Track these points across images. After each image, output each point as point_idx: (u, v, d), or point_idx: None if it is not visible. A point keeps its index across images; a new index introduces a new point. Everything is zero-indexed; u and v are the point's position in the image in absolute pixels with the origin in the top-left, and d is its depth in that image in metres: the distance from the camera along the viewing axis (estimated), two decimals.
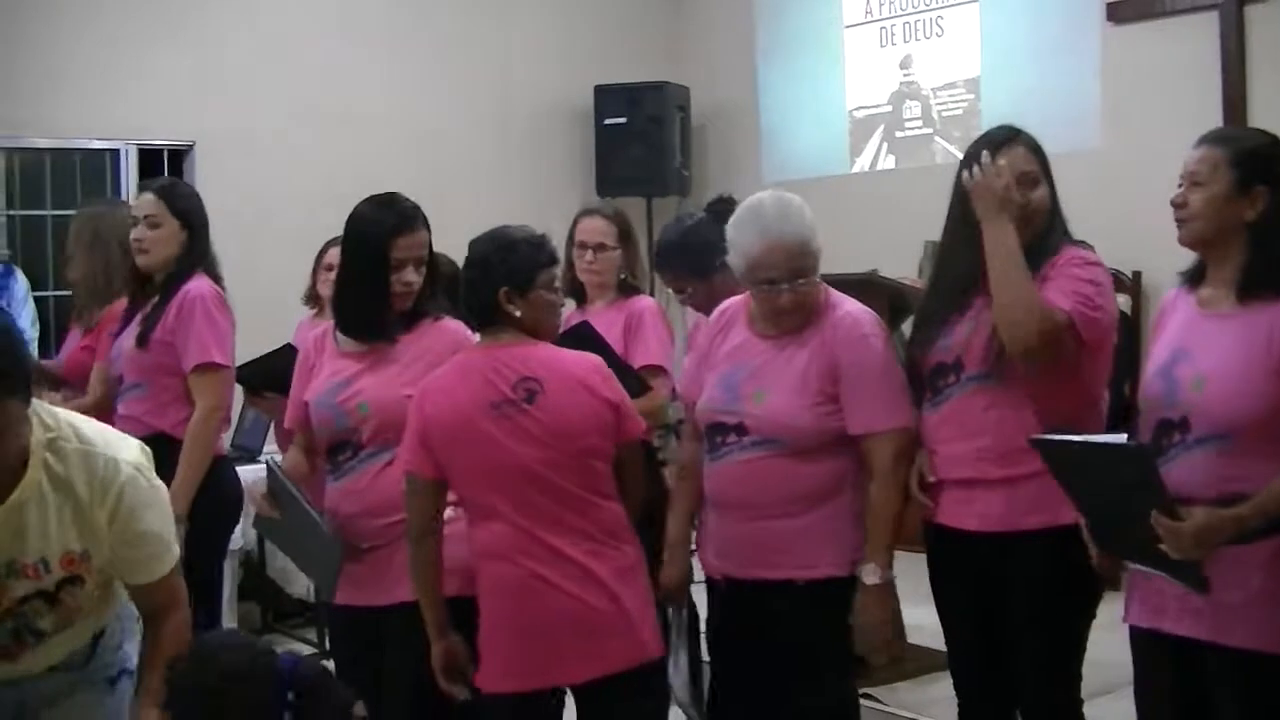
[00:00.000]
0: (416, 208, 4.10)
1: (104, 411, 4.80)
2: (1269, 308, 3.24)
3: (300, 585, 7.37)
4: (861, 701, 4.50)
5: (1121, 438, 3.41)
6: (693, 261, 4.65)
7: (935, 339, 3.81)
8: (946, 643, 4.03)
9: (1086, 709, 3.81)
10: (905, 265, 6.51)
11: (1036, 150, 3.80)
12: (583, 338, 4.55)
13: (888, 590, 3.83)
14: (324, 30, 9.26)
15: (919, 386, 3.87)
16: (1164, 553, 3.15)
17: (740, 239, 3.93)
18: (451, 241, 4.46)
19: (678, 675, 4.23)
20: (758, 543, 3.93)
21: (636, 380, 4.65)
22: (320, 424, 4.07)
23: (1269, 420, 3.19)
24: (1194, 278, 3.47)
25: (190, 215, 4.93)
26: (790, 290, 3.86)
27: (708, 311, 4.44)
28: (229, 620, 6.47)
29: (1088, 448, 3.35)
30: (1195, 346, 3.33)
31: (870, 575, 3.81)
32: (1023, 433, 3.59)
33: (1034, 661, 3.75)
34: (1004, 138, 3.81)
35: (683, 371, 4.35)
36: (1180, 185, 3.40)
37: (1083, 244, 3.80)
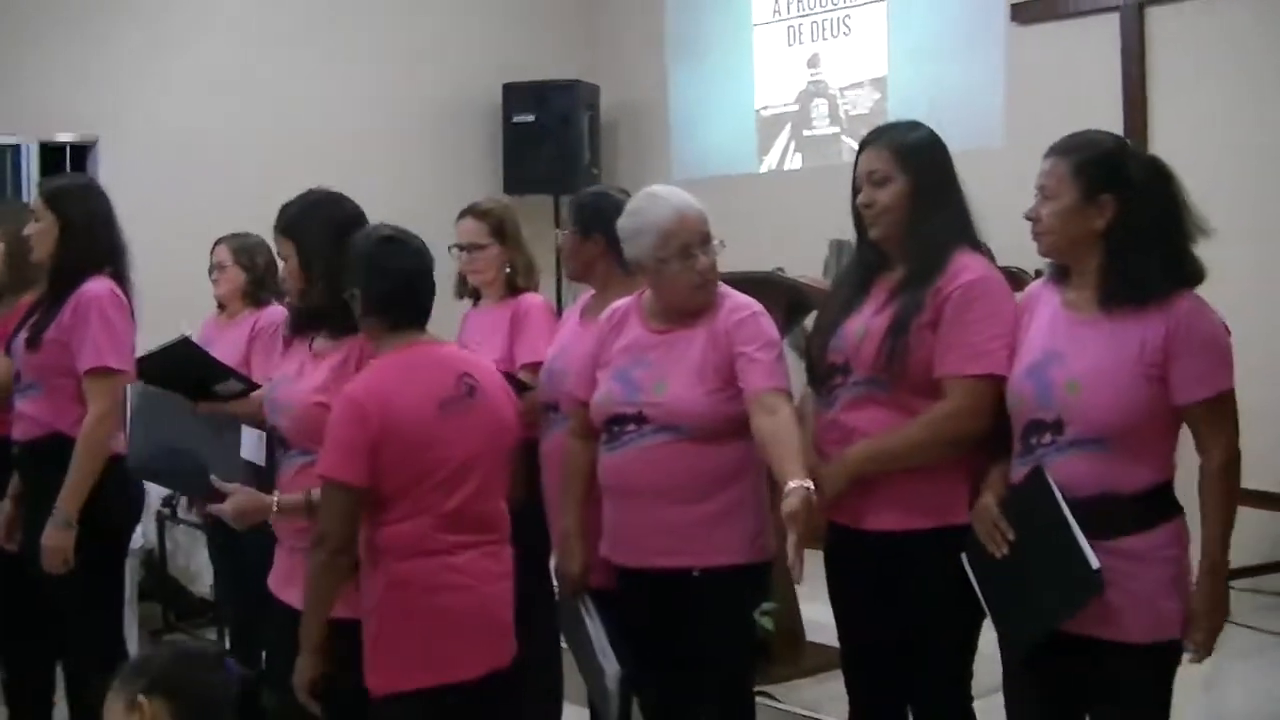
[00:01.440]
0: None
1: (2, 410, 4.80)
2: (1136, 317, 3.29)
3: (203, 584, 7.32)
4: (760, 700, 4.52)
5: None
6: (592, 216, 4.59)
7: (828, 340, 3.83)
8: (840, 641, 4.04)
9: (976, 705, 3.83)
10: (812, 264, 6.52)
11: (900, 149, 3.78)
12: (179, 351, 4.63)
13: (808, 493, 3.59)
14: (230, 25, 9.17)
15: (816, 385, 3.89)
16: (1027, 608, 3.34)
17: (650, 215, 4.00)
18: None
19: (606, 669, 4.17)
20: (657, 530, 3.95)
21: (514, 383, 4.68)
22: None
23: (1143, 424, 3.27)
24: (1060, 274, 3.52)
25: (68, 213, 4.83)
26: (706, 254, 3.96)
27: (574, 276, 4.70)
28: (131, 620, 6.41)
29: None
30: (1068, 349, 3.37)
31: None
32: None
33: (926, 661, 3.77)
34: (864, 142, 3.86)
35: (569, 373, 4.37)
36: (1035, 197, 3.45)
37: (979, 246, 3.83)
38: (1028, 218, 3.44)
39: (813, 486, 3.52)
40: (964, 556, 3.54)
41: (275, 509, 3.88)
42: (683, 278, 3.97)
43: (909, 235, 3.74)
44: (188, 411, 4.25)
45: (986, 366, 3.60)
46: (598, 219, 4.53)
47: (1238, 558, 6.28)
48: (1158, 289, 3.30)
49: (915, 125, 3.93)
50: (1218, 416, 3.30)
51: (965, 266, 3.70)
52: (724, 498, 3.94)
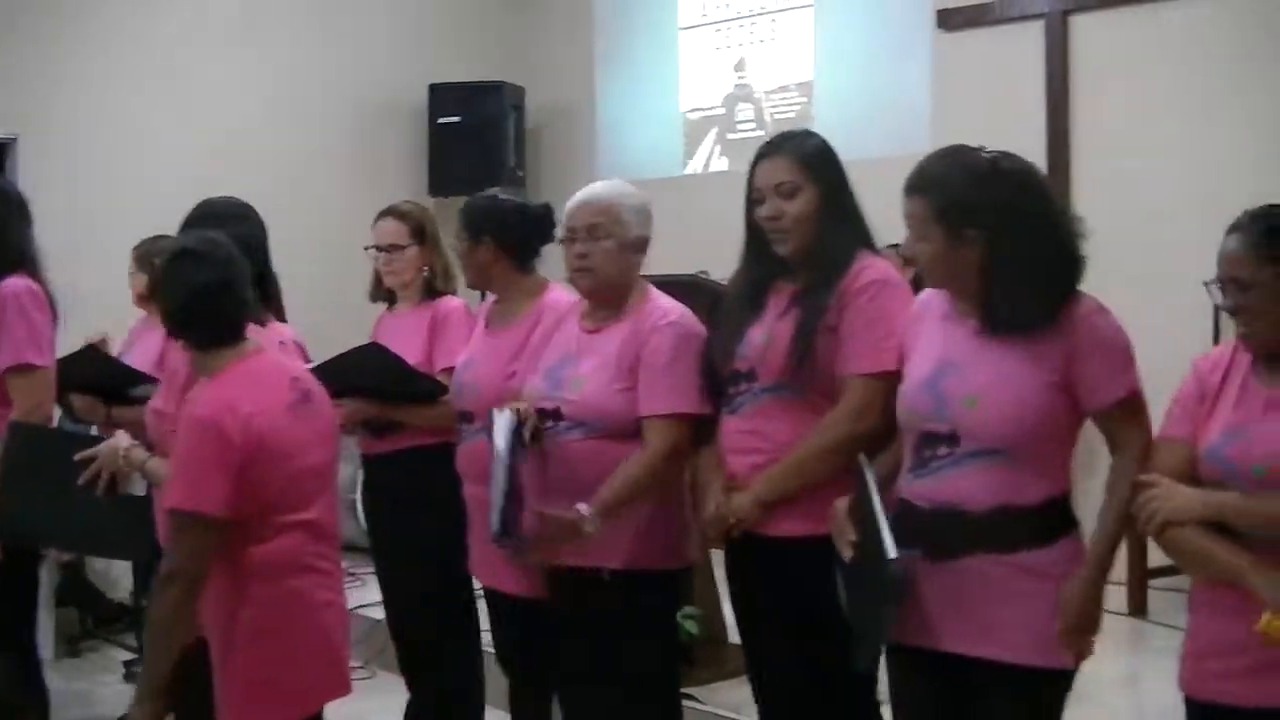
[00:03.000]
0: None
1: None
2: (1039, 324, 3.24)
3: (123, 589, 7.24)
4: (682, 702, 4.51)
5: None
6: (481, 220, 4.54)
7: (732, 346, 3.79)
8: (743, 646, 4.02)
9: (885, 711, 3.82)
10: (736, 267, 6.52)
11: (805, 158, 3.76)
12: (371, 356, 4.64)
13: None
14: (153, 23, 9.06)
15: (720, 391, 3.86)
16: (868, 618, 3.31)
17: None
18: (282, 238, 4.44)
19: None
20: None
21: (432, 385, 4.65)
22: None
23: (1040, 436, 3.23)
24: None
25: None
26: (580, 243, 3.95)
27: (472, 284, 4.66)
28: (46, 624, 6.34)
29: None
30: (964, 361, 3.30)
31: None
32: None
33: (827, 665, 3.71)
34: (762, 153, 3.82)
35: (479, 386, 4.38)
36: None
37: (886, 249, 3.83)
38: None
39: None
40: (835, 565, 3.50)
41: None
42: (567, 263, 4.01)
43: (814, 242, 3.72)
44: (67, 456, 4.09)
45: (883, 364, 3.59)
46: (487, 223, 4.50)
47: (1157, 558, 6.39)
48: (1041, 315, 3.25)
49: (810, 134, 3.94)
50: (1131, 415, 3.25)
51: (867, 267, 3.70)
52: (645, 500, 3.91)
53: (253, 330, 3.77)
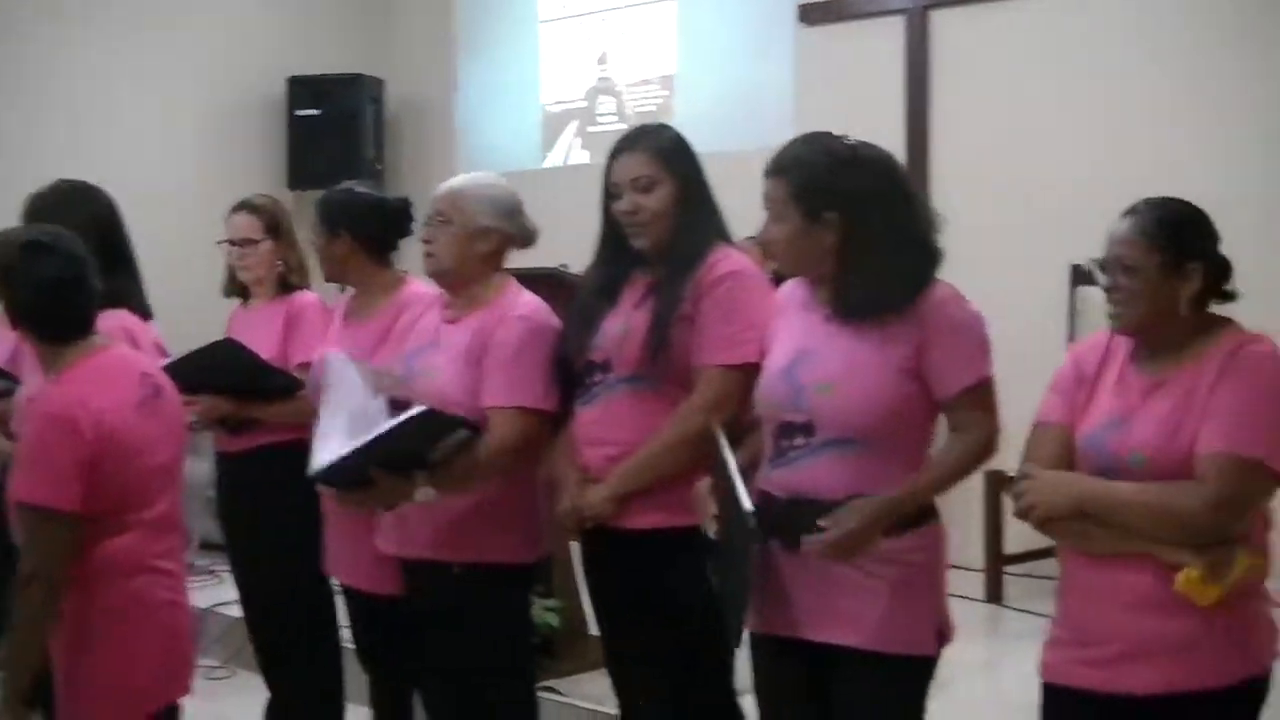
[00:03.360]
0: None
1: None
2: (892, 310, 3.24)
3: None
4: (543, 694, 4.50)
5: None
6: (337, 213, 4.51)
7: (586, 338, 3.78)
8: (602, 638, 4.02)
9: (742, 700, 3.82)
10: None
11: (662, 152, 3.76)
12: (225, 352, 4.58)
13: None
14: (9, 8, 8.87)
15: (575, 384, 3.84)
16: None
17: None
18: (137, 232, 4.41)
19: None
20: (422, 521, 3.91)
21: (288, 380, 4.60)
22: None
23: (894, 424, 3.23)
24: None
25: None
26: (427, 227, 3.98)
27: (329, 277, 4.61)
28: None
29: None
30: (820, 349, 3.30)
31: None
32: None
33: (688, 656, 3.72)
34: (618, 147, 3.82)
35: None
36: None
37: (744, 241, 3.84)
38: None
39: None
40: (707, 554, 3.50)
41: None
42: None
43: (670, 235, 3.71)
44: None
45: (740, 356, 3.58)
46: (343, 216, 4.47)
47: (1013, 544, 6.48)
48: (893, 302, 3.25)
49: (664, 127, 3.94)
50: (977, 403, 3.25)
51: (723, 258, 3.69)
52: (488, 492, 3.88)
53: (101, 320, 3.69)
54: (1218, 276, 3.09)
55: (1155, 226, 3.05)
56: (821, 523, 3.19)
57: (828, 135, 3.36)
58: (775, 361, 3.39)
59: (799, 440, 3.27)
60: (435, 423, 3.69)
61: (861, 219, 3.26)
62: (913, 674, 3.31)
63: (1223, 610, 2.95)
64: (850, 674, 3.29)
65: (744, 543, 3.23)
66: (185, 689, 3.66)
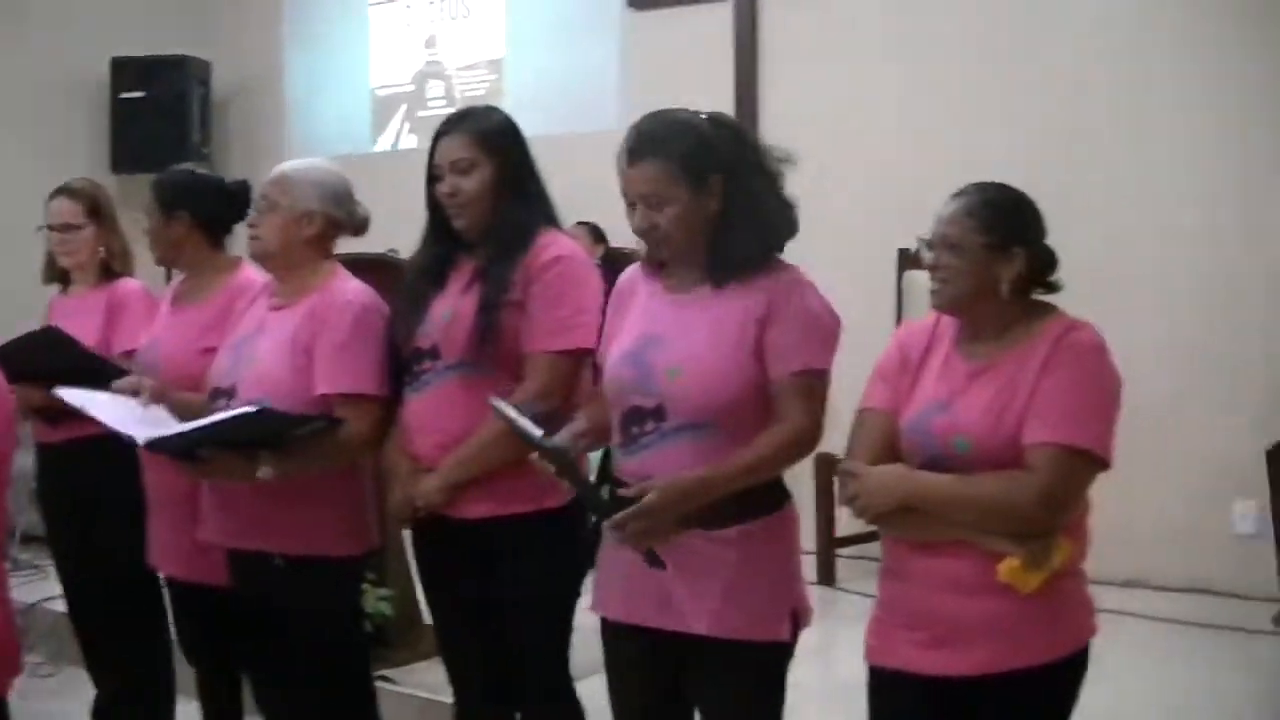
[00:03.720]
0: None
1: None
2: (741, 293, 3.22)
3: None
4: (379, 684, 4.46)
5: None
6: (177, 194, 4.43)
7: (414, 323, 3.74)
8: (435, 628, 4.00)
9: (578, 686, 3.81)
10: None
11: (482, 135, 3.72)
12: (52, 342, 4.46)
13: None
14: None
15: (404, 369, 3.79)
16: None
17: None
18: None
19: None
20: (239, 510, 3.86)
21: (112, 368, 4.51)
22: None
23: (746, 407, 3.19)
24: (658, 264, 3.39)
25: None
26: (255, 211, 3.95)
27: (161, 260, 4.54)
28: None
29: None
30: (669, 333, 3.26)
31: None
32: None
33: (526, 645, 3.71)
34: (442, 130, 3.78)
35: (160, 365, 4.28)
36: (633, 207, 3.28)
37: (574, 226, 3.81)
38: (640, 231, 3.28)
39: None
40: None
41: None
42: None
43: (493, 219, 3.68)
44: None
45: (572, 341, 3.58)
46: (184, 196, 4.40)
47: (846, 527, 6.55)
48: (763, 257, 3.25)
49: (492, 110, 3.90)
50: (803, 392, 3.20)
51: (551, 243, 3.67)
52: (308, 482, 3.81)
53: None
54: (1041, 265, 3.12)
55: (982, 208, 3.08)
56: (626, 493, 3.15)
57: (672, 109, 3.34)
58: (621, 345, 3.34)
59: (649, 426, 3.22)
60: (275, 420, 3.64)
61: (740, 178, 3.25)
62: (767, 660, 3.29)
63: (1041, 590, 2.98)
64: (702, 660, 3.27)
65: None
66: (7, 686, 3.56)
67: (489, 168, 3.68)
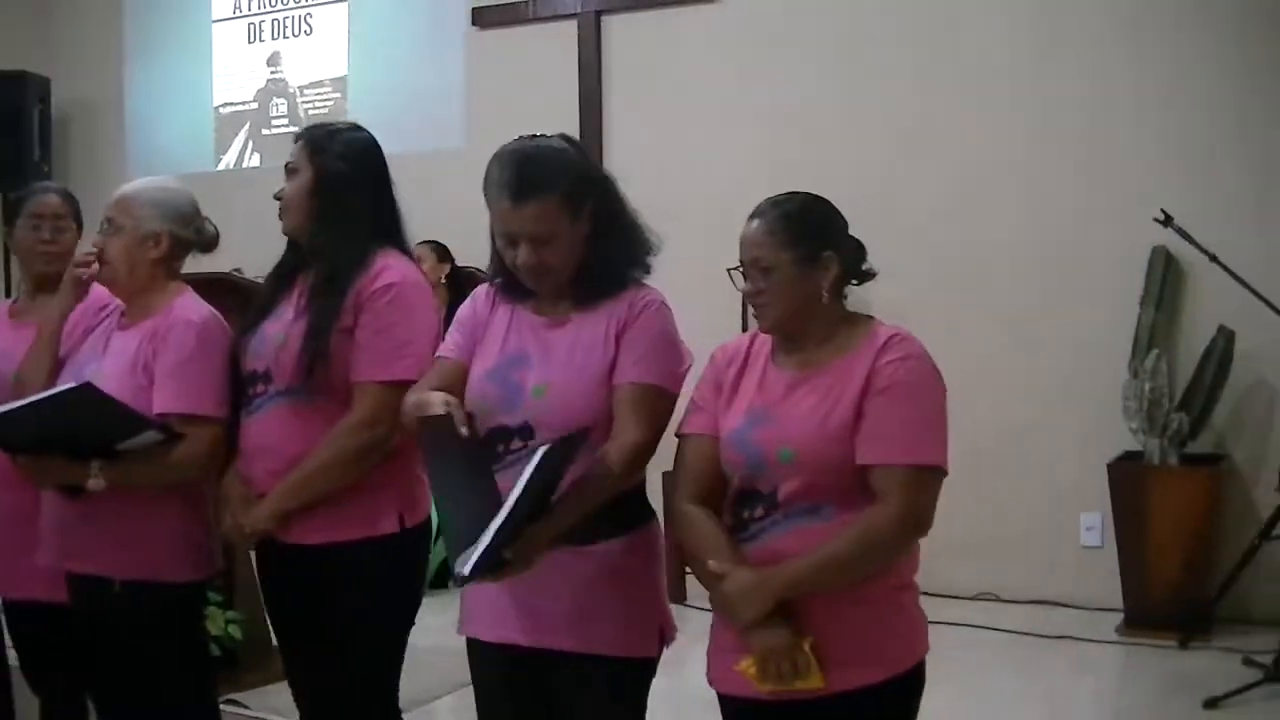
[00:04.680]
0: None
1: None
2: (604, 312, 3.21)
3: None
4: (229, 709, 4.43)
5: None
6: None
7: (248, 344, 3.72)
8: (280, 652, 3.94)
9: (421, 712, 3.80)
10: (270, 264, 6.40)
11: (311, 142, 3.72)
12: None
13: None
14: None
15: (240, 391, 3.75)
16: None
17: None
18: None
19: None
20: (72, 532, 3.82)
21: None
22: None
23: (610, 424, 3.16)
24: (518, 292, 3.33)
25: None
26: (98, 233, 3.90)
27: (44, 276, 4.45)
28: None
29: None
30: (535, 353, 3.23)
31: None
32: None
33: (354, 669, 3.69)
34: (295, 137, 3.81)
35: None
36: (513, 245, 3.17)
37: (419, 246, 3.79)
38: (527, 267, 3.17)
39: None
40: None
41: None
42: None
43: (319, 232, 3.66)
44: None
45: (397, 372, 3.54)
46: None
47: None
48: (629, 274, 3.26)
49: (353, 126, 3.86)
50: (642, 406, 3.15)
51: (386, 267, 3.64)
52: (140, 505, 3.76)
53: None
54: (853, 259, 3.14)
55: (782, 223, 3.08)
56: (507, 554, 3.01)
57: (525, 140, 3.26)
58: (483, 364, 3.29)
59: (515, 444, 3.18)
60: (101, 404, 3.57)
61: (605, 201, 3.25)
62: (634, 675, 3.29)
63: (878, 607, 3.02)
64: (568, 678, 3.25)
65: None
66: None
67: (307, 173, 3.69)
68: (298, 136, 3.79)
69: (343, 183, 3.70)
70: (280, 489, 3.61)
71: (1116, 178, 7.05)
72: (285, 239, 3.81)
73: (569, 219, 3.17)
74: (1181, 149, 6.97)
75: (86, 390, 3.56)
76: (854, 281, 3.16)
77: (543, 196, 3.13)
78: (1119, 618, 6.59)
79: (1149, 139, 7.00)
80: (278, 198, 3.71)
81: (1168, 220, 6.45)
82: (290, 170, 3.71)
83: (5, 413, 3.63)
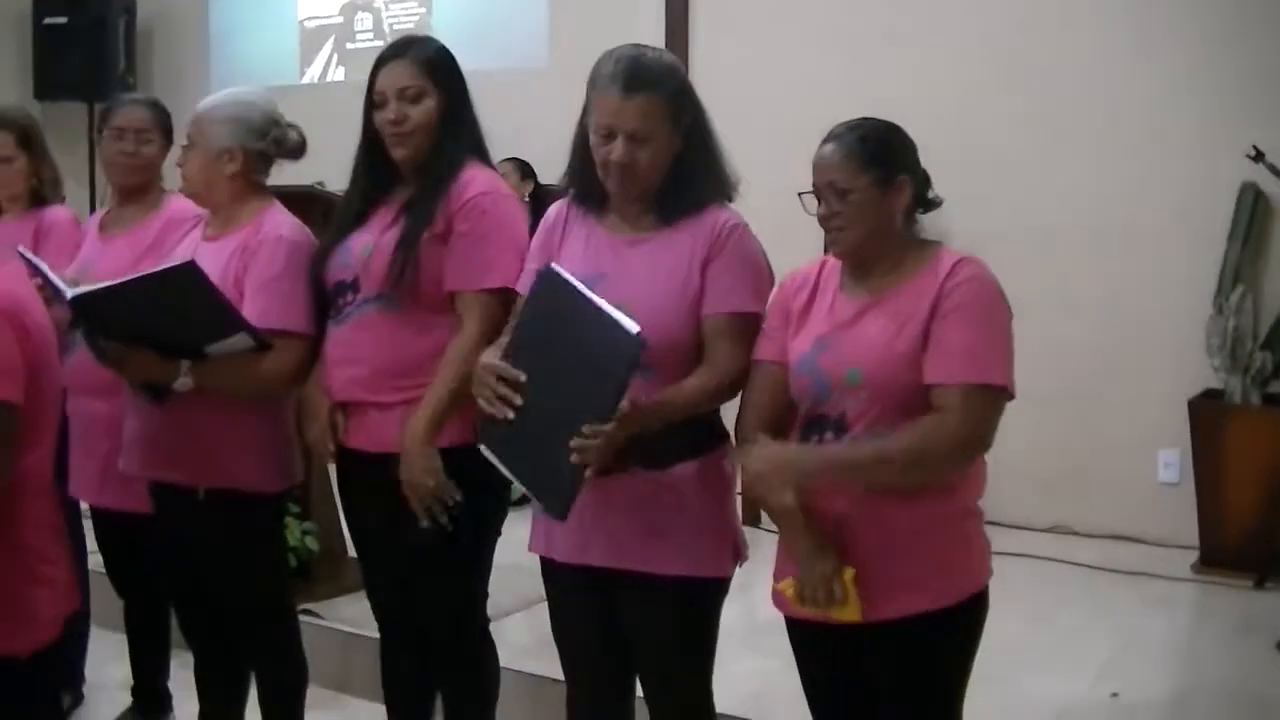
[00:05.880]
0: None
1: None
2: (686, 235, 3.23)
3: None
4: (304, 618, 4.47)
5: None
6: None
7: (336, 255, 3.73)
8: (359, 563, 4.00)
9: (500, 624, 3.81)
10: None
11: (430, 63, 3.67)
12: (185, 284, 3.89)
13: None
14: None
15: (328, 302, 3.77)
16: (553, 467, 3.09)
17: None
18: None
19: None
20: (160, 443, 3.88)
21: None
22: None
23: (688, 346, 3.21)
24: (588, 198, 3.37)
25: None
26: (182, 148, 4.01)
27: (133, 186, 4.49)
28: None
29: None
30: (614, 271, 3.24)
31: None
32: (418, 356, 3.61)
33: (435, 578, 3.72)
34: (386, 56, 3.72)
35: None
36: (609, 138, 3.20)
37: (502, 163, 3.77)
38: (619, 163, 3.19)
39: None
40: (482, 448, 3.32)
41: None
42: None
43: (440, 153, 3.65)
44: None
45: (500, 280, 3.55)
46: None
47: None
48: (714, 194, 3.28)
49: (431, 40, 3.83)
50: (734, 336, 3.22)
51: (474, 179, 3.64)
52: (224, 415, 3.82)
53: None
54: (923, 187, 3.14)
55: (859, 146, 3.07)
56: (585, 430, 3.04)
57: (643, 47, 3.31)
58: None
59: None
60: (203, 291, 3.58)
61: (700, 124, 3.31)
62: (706, 595, 3.32)
63: (938, 535, 3.03)
64: (641, 597, 3.29)
65: (622, 364, 3.04)
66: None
67: (436, 97, 3.65)
68: (390, 57, 3.71)
69: (466, 102, 3.72)
70: (431, 403, 3.57)
71: (1206, 110, 6.92)
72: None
73: (670, 124, 3.22)
74: (1275, 84, 6.83)
75: (192, 271, 3.58)
76: (922, 209, 3.16)
77: (652, 93, 3.19)
78: (1194, 555, 6.53)
79: (1243, 71, 6.86)
80: (396, 122, 3.63)
81: (1259, 156, 6.36)
82: (411, 95, 3.64)
83: (105, 289, 3.67)
